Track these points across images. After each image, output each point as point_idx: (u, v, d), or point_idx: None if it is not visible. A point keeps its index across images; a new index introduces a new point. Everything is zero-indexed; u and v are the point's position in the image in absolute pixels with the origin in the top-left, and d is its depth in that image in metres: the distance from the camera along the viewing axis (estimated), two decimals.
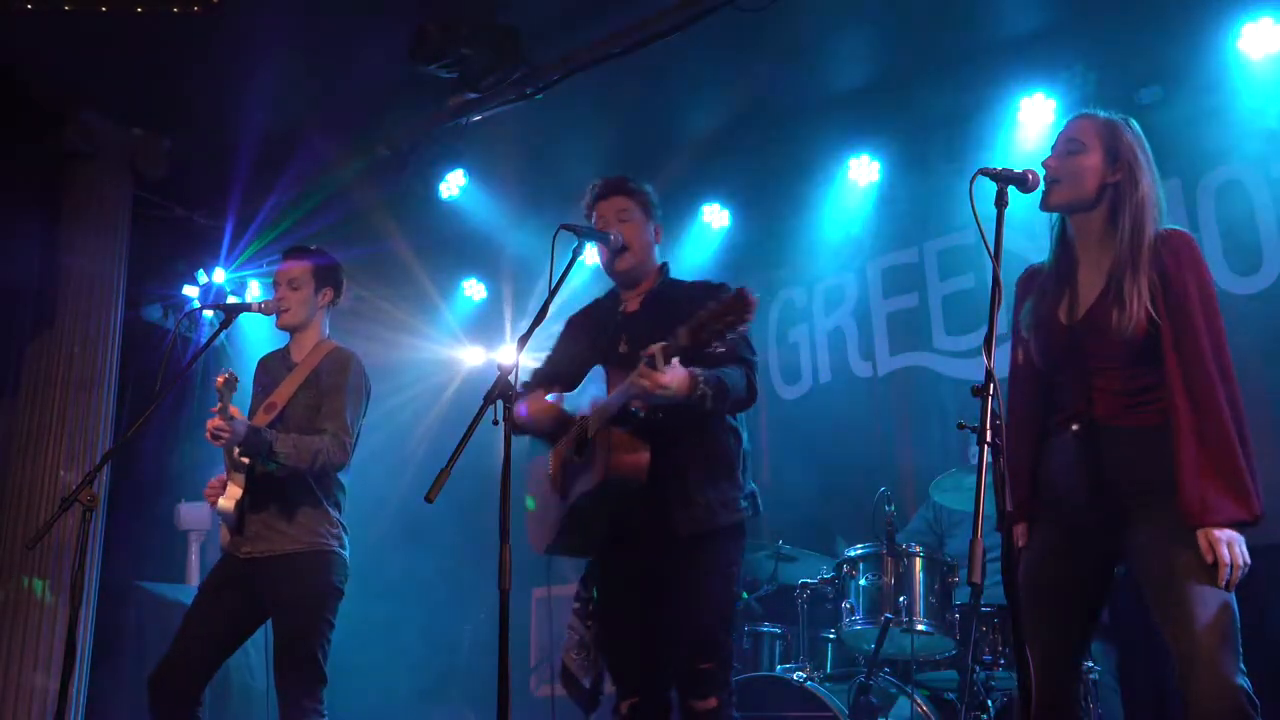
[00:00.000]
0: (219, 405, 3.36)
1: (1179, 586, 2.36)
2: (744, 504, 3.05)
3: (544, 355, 3.38)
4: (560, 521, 3.01)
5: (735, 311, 2.50)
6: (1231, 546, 2.35)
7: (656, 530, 2.93)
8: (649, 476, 2.84)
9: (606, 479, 2.82)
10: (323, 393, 3.66)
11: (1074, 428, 2.57)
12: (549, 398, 3.12)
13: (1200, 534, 2.36)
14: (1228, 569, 2.34)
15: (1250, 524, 2.38)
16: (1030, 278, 2.76)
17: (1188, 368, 2.44)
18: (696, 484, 2.95)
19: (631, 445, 2.84)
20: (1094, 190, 2.59)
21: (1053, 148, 2.66)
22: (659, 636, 2.96)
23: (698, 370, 2.76)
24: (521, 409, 3.04)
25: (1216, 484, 2.36)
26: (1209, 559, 2.34)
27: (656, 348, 2.65)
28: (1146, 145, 2.63)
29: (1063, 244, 2.70)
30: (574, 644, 3.16)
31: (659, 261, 3.27)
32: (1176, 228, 2.61)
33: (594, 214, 3.21)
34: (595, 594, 3.15)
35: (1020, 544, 2.64)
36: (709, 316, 2.54)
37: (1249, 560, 2.37)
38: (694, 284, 3.22)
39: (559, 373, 3.23)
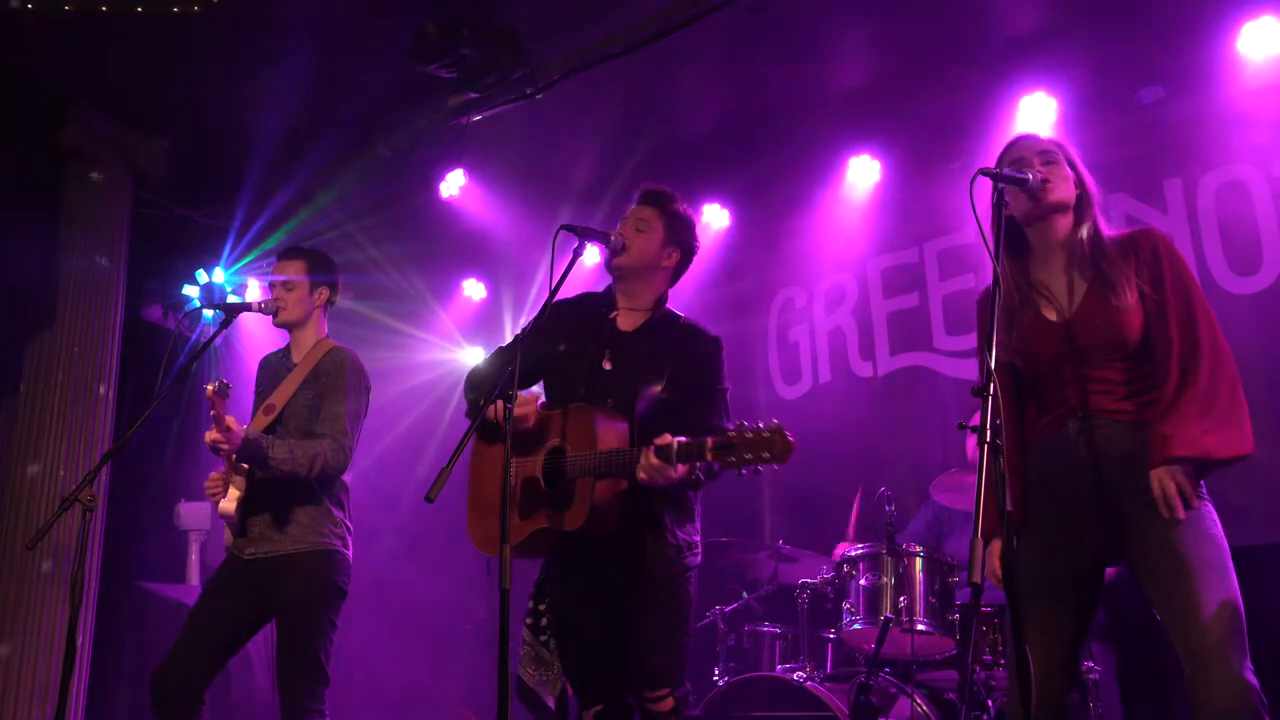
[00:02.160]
0: (213, 414, 3.35)
1: (1186, 584, 2.36)
2: (699, 545, 3.08)
3: (522, 336, 3.10)
4: (521, 543, 2.95)
5: (774, 453, 2.56)
6: (1164, 479, 2.41)
7: (626, 564, 2.95)
8: (627, 516, 2.89)
9: (585, 529, 2.83)
10: (321, 394, 3.66)
11: (1070, 424, 2.57)
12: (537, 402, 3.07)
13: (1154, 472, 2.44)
14: (1168, 498, 2.40)
15: (1210, 462, 2.43)
16: (988, 297, 2.75)
17: (1186, 336, 2.50)
18: (668, 528, 2.99)
19: (616, 503, 2.86)
20: (1074, 196, 2.66)
21: (1023, 163, 2.67)
22: (620, 645, 2.97)
23: (697, 464, 2.77)
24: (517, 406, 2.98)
25: (1187, 426, 2.42)
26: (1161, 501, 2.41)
27: (675, 445, 2.67)
28: None
29: (1016, 252, 2.71)
30: (529, 659, 3.14)
31: (664, 288, 3.19)
32: (1145, 227, 2.71)
33: (624, 216, 3.19)
34: (545, 608, 3.13)
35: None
36: (744, 445, 2.57)
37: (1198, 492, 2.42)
38: (691, 326, 3.15)
39: (535, 362, 3.10)
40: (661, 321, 3.14)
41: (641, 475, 2.72)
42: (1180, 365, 2.48)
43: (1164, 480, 2.42)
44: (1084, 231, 2.64)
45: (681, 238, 3.17)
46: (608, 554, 2.96)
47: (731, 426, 2.66)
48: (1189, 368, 2.47)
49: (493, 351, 3.32)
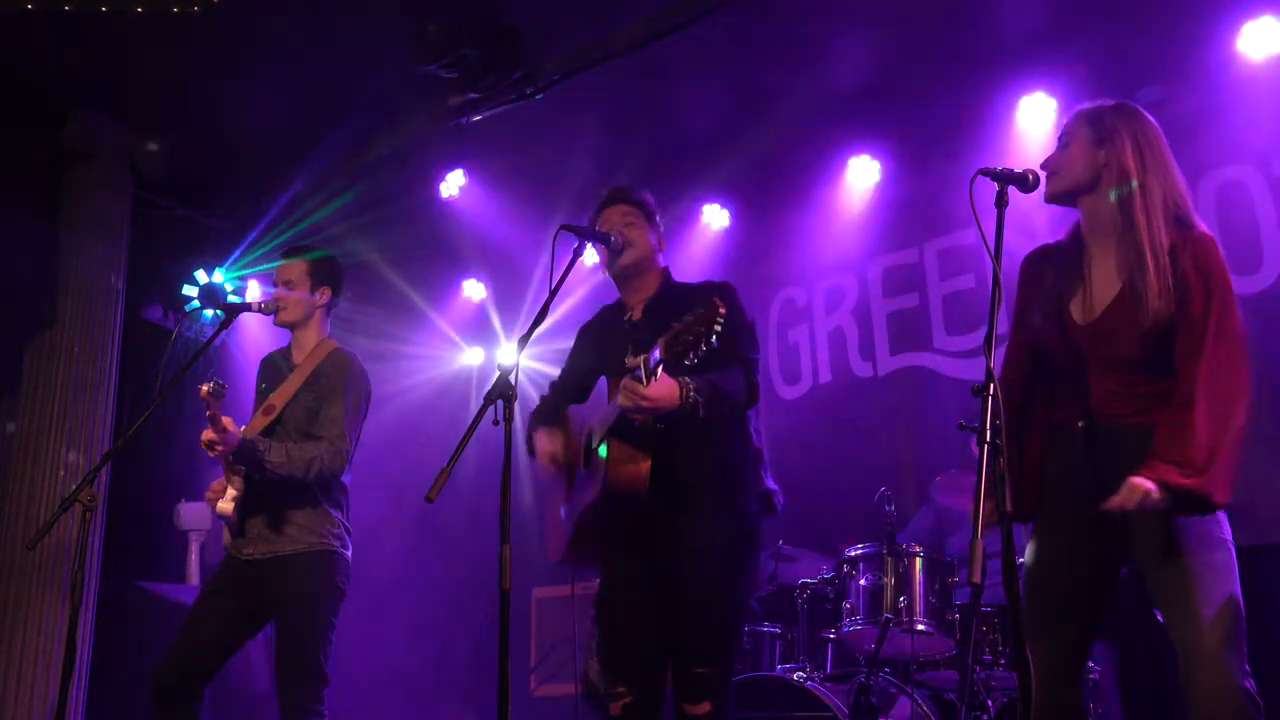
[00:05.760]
0: (209, 415, 3.34)
1: (1185, 585, 2.36)
2: (754, 508, 3.01)
3: (559, 370, 3.38)
4: (570, 534, 3.00)
5: (705, 323, 2.50)
6: (1132, 491, 2.31)
7: (663, 540, 2.92)
8: (653, 487, 2.83)
9: (606, 491, 2.82)
10: (321, 396, 3.66)
11: (1080, 425, 2.56)
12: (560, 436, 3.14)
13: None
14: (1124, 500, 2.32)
15: (1190, 496, 2.34)
16: (1040, 261, 2.71)
17: (1190, 369, 2.41)
18: (703, 494, 2.93)
19: (631, 457, 2.82)
20: (1085, 172, 2.58)
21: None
22: (661, 638, 2.94)
23: (687, 379, 2.74)
24: (539, 442, 3.10)
25: (1171, 453, 2.34)
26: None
27: (639, 360, 2.65)
28: (1145, 123, 2.61)
29: (1076, 235, 2.67)
30: (594, 652, 3.15)
31: (662, 266, 3.25)
32: (1201, 229, 2.55)
33: (599, 220, 3.21)
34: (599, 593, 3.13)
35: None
36: (681, 329, 2.55)
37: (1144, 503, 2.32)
38: (695, 286, 3.21)
39: (572, 387, 3.23)
40: (662, 294, 3.17)
41: (624, 403, 2.68)
42: (1187, 394, 2.39)
43: (1132, 493, 2.33)
44: (1130, 219, 2.50)
45: (656, 220, 3.26)
46: (643, 533, 2.92)
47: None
48: (1191, 400, 2.37)
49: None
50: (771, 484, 3.09)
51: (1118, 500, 2.34)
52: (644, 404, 2.67)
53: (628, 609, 3.01)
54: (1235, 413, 2.38)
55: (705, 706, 2.86)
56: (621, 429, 2.82)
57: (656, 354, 2.61)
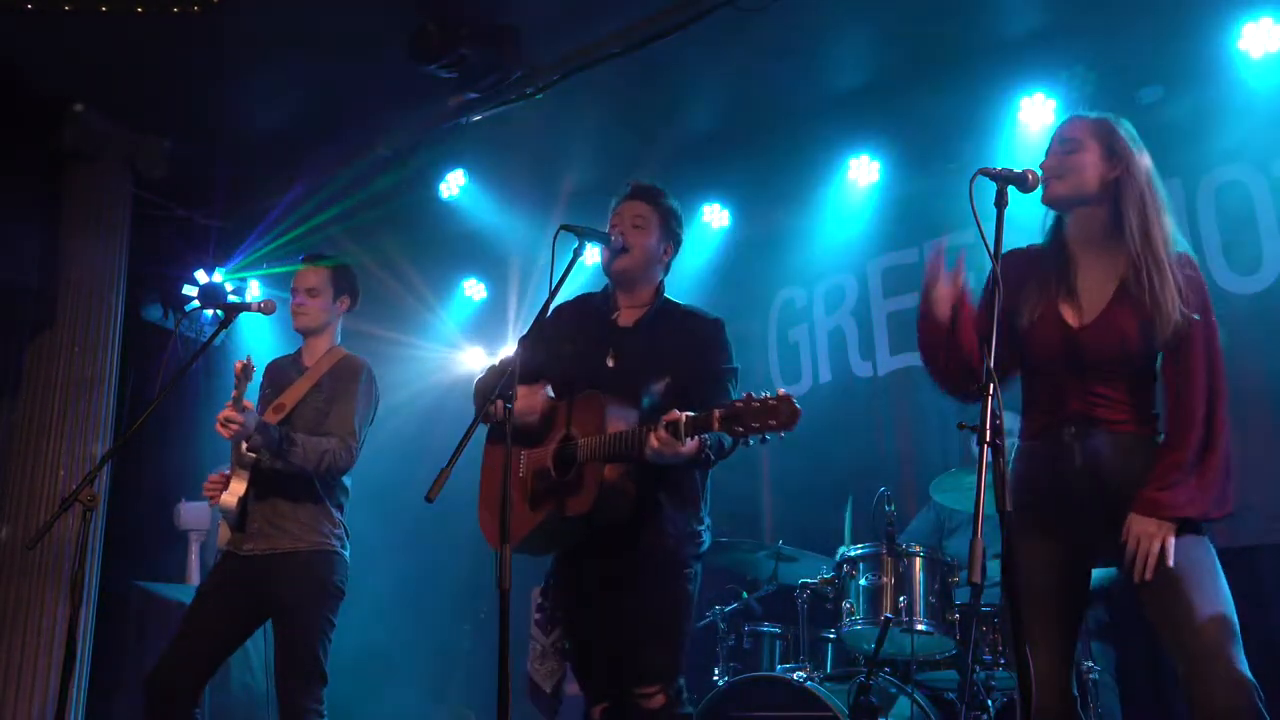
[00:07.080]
0: (235, 393, 3.36)
1: (1179, 586, 2.36)
2: (705, 536, 3.10)
3: (527, 341, 3.30)
4: (530, 530, 2.99)
5: (780, 420, 2.58)
6: (1142, 540, 2.39)
7: (626, 554, 2.98)
8: (631, 509, 2.91)
9: (595, 512, 2.86)
10: (332, 398, 3.67)
11: (1070, 429, 2.55)
12: (542, 393, 3.09)
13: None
14: (1134, 556, 2.39)
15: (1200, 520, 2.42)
16: (1021, 264, 2.68)
17: (1182, 386, 2.46)
18: (669, 517, 3.00)
19: (623, 484, 2.89)
20: (1095, 185, 2.57)
21: (1047, 151, 2.65)
22: (624, 641, 2.99)
23: (706, 437, 2.80)
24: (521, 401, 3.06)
25: (1170, 484, 2.40)
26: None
27: (683, 419, 2.68)
28: (1141, 143, 2.62)
29: (1058, 240, 2.67)
30: (536, 655, 3.18)
31: (661, 279, 3.23)
32: (1182, 248, 2.58)
33: (615, 212, 3.19)
34: (555, 602, 3.18)
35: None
36: (750, 414, 2.59)
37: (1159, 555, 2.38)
38: (690, 313, 3.19)
39: (541, 365, 3.14)
40: (660, 313, 3.16)
41: (650, 450, 2.72)
42: (1190, 415, 2.43)
43: (1148, 539, 2.39)
44: (1130, 223, 2.51)
45: (675, 232, 3.22)
46: (611, 545, 2.96)
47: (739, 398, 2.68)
48: (1197, 421, 2.43)
49: (497, 361, 3.35)
50: (706, 518, 3.15)
51: (1136, 562, 2.40)
52: (674, 458, 2.74)
53: (593, 619, 3.06)
54: (1224, 431, 2.44)
55: (659, 697, 2.90)
56: (619, 456, 2.84)
57: (705, 417, 2.66)
